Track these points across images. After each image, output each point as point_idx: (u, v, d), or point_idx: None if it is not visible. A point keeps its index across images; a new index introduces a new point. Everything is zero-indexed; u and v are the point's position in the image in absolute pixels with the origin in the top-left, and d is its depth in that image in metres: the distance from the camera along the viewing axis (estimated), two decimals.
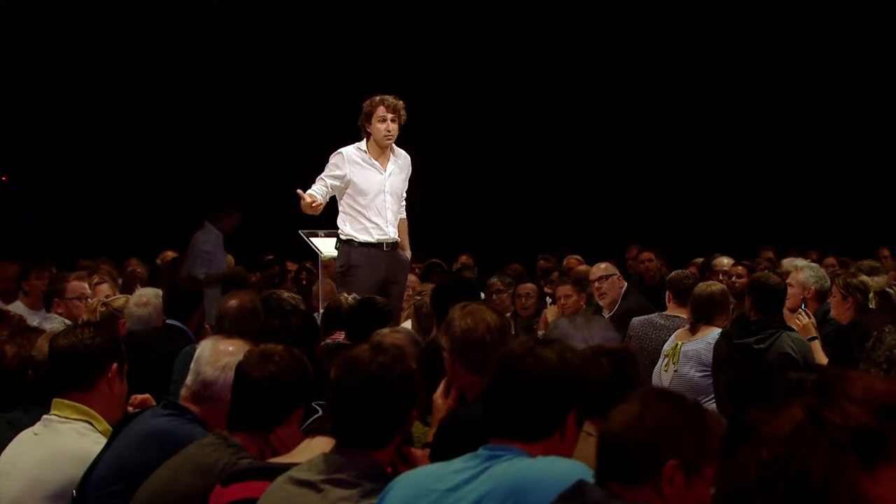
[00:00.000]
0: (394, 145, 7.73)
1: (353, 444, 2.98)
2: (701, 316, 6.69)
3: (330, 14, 14.49)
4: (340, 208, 7.69)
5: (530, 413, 2.79)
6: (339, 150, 7.66)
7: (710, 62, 14.05)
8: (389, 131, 7.57)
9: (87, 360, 3.88)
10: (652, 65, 14.25)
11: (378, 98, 7.57)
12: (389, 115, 7.53)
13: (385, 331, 4.87)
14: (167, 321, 6.15)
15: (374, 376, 2.96)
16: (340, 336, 6.23)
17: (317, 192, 7.48)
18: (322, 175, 7.62)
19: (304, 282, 10.61)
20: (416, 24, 14.32)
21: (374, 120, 7.55)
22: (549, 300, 8.74)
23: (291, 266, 11.49)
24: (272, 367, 3.37)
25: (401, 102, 7.59)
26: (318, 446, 3.12)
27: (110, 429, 3.80)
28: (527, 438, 2.79)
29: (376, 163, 7.62)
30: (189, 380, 3.71)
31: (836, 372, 2.00)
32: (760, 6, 13.83)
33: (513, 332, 8.29)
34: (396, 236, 7.64)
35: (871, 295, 6.91)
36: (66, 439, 3.80)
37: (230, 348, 3.69)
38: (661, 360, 6.82)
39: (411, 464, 3.12)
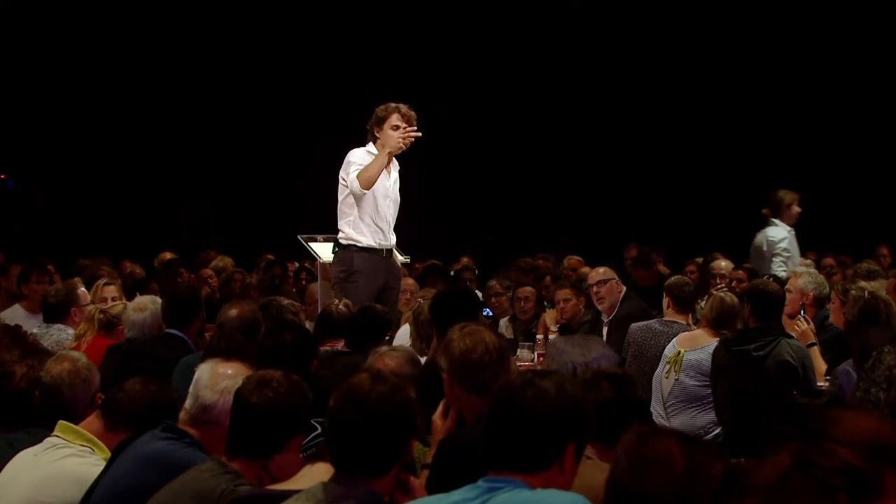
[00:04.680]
0: None
1: (351, 473, 2.98)
2: (720, 325, 6.67)
3: (328, 12, 14.48)
4: (343, 211, 7.59)
5: (529, 445, 2.80)
6: (352, 151, 7.55)
7: (709, 62, 14.03)
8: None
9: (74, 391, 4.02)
10: (651, 65, 14.22)
11: (393, 105, 7.47)
12: (403, 125, 7.45)
13: (384, 349, 4.84)
14: (167, 330, 6.13)
15: (372, 406, 2.96)
16: (339, 344, 6.22)
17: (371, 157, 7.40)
18: (354, 168, 7.47)
19: (304, 282, 10.61)
20: (413, 23, 14.31)
21: (386, 126, 7.45)
22: (545, 303, 8.74)
23: (291, 266, 11.47)
24: (270, 392, 3.36)
25: (413, 113, 7.49)
26: (318, 473, 3.12)
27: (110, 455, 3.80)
28: (526, 470, 2.79)
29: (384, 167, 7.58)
30: (188, 403, 3.71)
31: (819, 414, 2.01)
32: (761, 8, 13.80)
33: (511, 336, 8.38)
34: (394, 243, 7.64)
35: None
36: (65, 461, 3.81)
37: (229, 371, 3.69)
38: (661, 366, 6.81)
39: (408, 493, 3.12)
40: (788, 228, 9.84)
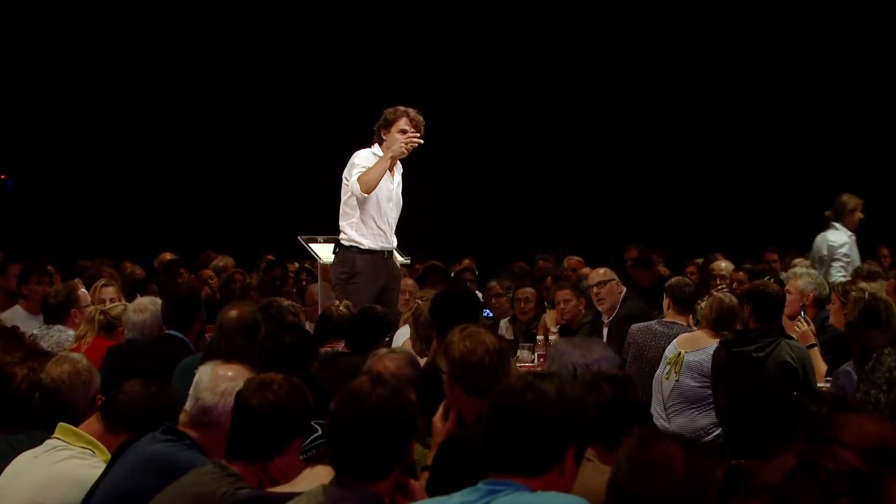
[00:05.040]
0: None
1: (352, 476, 2.98)
2: (720, 326, 6.67)
3: (328, 12, 14.47)
4: (346, 212, 7.57)
5: (530, 448, 2.80)
6: (357, 153, 7.53)
7: (709, 62, 14.02)
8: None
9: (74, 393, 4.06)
10: (651, 65, 14.22)
11: (402, 109, 7.44)
12: (411, 129, 7.44)
13: (383, 351, 4.84)
14: (167, 331, 6.13)
15: (373, 409, 2.96)
16: (339, 345, 6.22)
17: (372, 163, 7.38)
18: (357, 170, 7.45)
19: (304, 283, 10.60)
20: (413, 23, 14.30)
21: (393, 130, 7.42)
22: (545, 304, 8.74)
23: (291, 267, 11.45)
24: (271, 395, 3.36)
25: (422, 119, 7.47)
26: (318, 476, 3.12)
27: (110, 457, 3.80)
28: (526, 473, 2.79)
29: (387, 171, 7.57)
30: (188, 405, 3.70)
31: (825, 417, 2.01)
32: (759, 9, 13.80)
33: (512, 337, 8.37)
34: (395, 245, 7.64)
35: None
36: (66, 463, 3.81)
37: (229, 374, 3.68)
38: (662, 366, 6.81)
39: (409, 496, 3.12)
40: (849, 233, 9.78)
